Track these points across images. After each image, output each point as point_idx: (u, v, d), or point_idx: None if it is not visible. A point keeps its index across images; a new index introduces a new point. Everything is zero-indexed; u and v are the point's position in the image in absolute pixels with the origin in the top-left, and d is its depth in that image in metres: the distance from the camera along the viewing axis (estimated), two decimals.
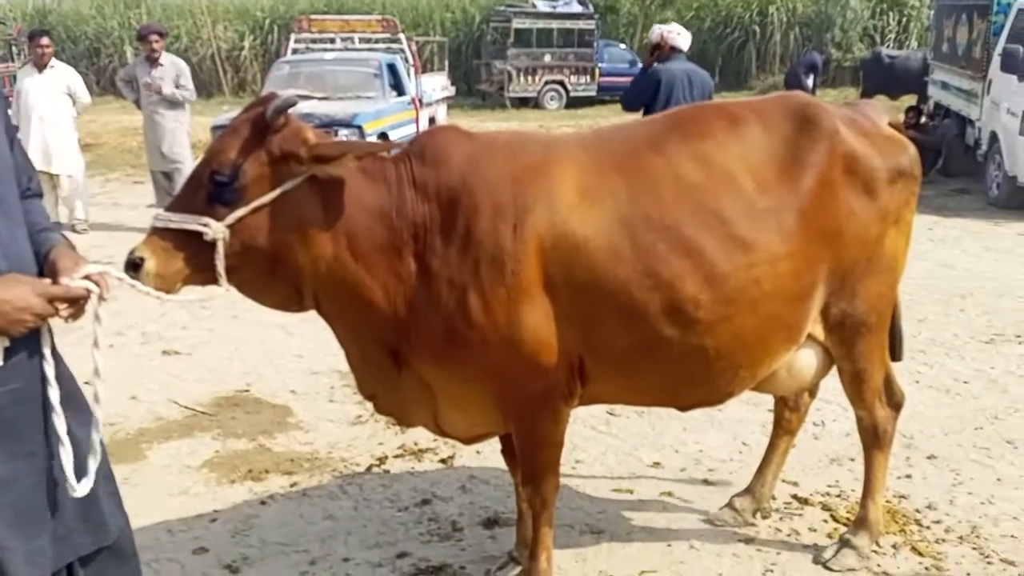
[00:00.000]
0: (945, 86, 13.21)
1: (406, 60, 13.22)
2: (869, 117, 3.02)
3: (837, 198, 2.84)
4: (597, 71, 22.67)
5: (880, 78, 16.68)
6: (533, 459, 2.89)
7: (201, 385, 5.16)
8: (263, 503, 3.80)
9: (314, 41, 13.99)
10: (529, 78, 22.50)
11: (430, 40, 22.35)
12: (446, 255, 2.60)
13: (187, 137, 9.09)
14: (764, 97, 3.11)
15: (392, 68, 12.32)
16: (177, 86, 8.79)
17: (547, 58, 22.64)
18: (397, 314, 2.64)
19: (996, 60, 10.56)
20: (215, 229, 2.46)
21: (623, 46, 24.41)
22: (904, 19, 24.51)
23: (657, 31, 6.29)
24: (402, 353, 2.72)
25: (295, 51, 13.52)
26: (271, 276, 2.60)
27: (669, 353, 2.72)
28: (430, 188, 2.64)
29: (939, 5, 14.28)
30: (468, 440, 3.11)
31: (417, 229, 2.62)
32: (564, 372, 2.72)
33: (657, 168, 2.72)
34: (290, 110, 2.54)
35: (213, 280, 2.51)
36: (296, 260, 2.57)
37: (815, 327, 2.98)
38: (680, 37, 6.16)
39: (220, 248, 2.47)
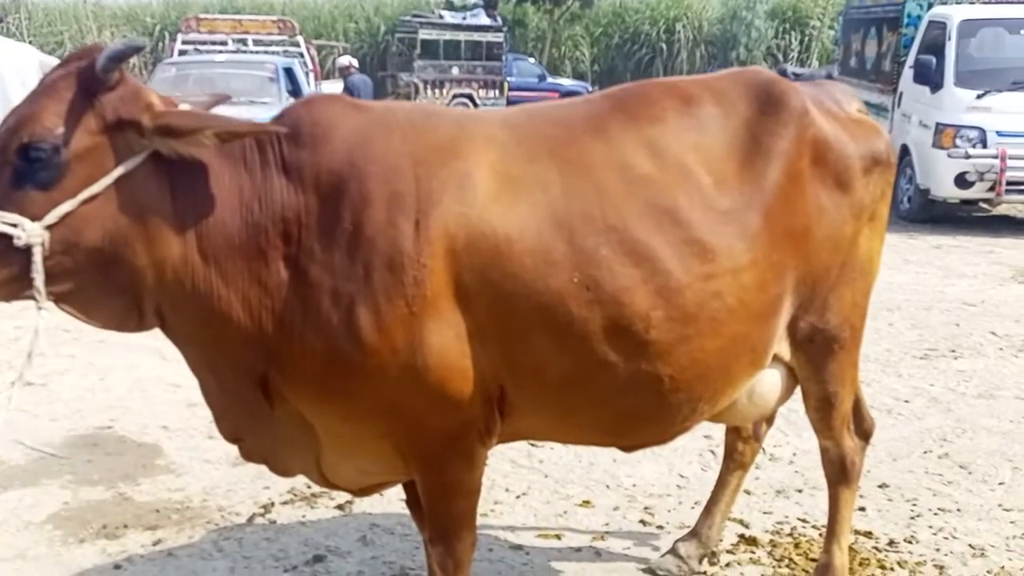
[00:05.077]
0: None
1: (305, 64, 12.58)
2: (836, 99, 2.62)
3: (806, 193, 2.42)
4: (506, 85, 22.39)
5: None
6: (443, 512, 2.37)
7: (55, 422, 4.45)
8: (117, 567, 3.20)
9: (203, 43, 13.21)
10: (436, 91, 22.02)
11: (331, 44, 21.66)
12: (328, 259, 2.06)
13: None
14: (721, 73, 2.66)
15: (290, 72, 11.71)
16: None
17: (455, 71, 22.23)
18: (263, 333, 2.10)
19: (907, 73, 10.59)
20: (30, 231, 1.92)
21: (532, 60, 24.24)
22: (806, 39, 25.23)
23: (344, 60, 13.17)
24: (272, 383, 2.17)
25: (183, 52, 12.70)
26: (102, 285, 2.05)
27: (614, 382, 2.23)
28: (306, 174, 2.09)
29: (847, 20, 14.39)
30: (360, 491, 2.56)
31: (288, 226, 2.08)
32: (480, 405, 2.21)
33: (598, 155, 2.23)
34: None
35: (24, 292, 1.97)
36: (134, 263, 2.02)
37: (780, 344, 2.53)
38: (355, 61, 13.10)
39: (37, 257, 1.93)
